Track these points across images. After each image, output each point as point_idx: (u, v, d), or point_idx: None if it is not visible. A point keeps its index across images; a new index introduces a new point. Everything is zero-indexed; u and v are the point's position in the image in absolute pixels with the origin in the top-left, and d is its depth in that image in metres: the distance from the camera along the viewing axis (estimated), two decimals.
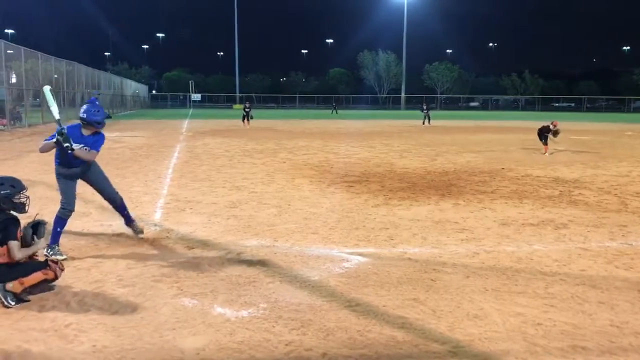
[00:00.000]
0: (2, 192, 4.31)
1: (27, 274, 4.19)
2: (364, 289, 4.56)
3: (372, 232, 6.48)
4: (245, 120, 29.45)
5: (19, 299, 4.14)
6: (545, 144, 15.81)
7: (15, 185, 4.42)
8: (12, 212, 4.40)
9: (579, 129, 28.11)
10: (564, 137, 18.81)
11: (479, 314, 4.05)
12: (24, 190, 4.49)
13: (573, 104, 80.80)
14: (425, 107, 35.07)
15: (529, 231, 6.64)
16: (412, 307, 4.18)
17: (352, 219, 7.17)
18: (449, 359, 3.38)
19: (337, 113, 54.47)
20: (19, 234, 4.30)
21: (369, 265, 5.24)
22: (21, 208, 4.46)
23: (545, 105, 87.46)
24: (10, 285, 4.11)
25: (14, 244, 4.20)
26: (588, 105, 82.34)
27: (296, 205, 8.03)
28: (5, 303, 4.08)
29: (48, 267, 4.33)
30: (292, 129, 26.51)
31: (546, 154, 15.47)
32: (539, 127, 16.63)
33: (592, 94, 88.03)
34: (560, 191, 9.45)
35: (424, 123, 33.46)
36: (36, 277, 4.24)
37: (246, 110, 29.98)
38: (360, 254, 5.57)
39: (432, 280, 4.80)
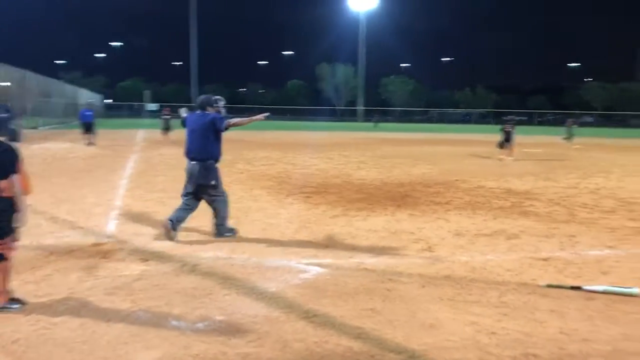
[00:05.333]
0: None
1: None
2: (321, 299, 4.56)
3: (330, 243, 6.50)
4: (165, 131, 24.81)
5: None
6: (506, 148, 16.82)
7: (9, 110, 4.19)
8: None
9: (530, 142, 28.95)
10: (517, 150, 19.39)
11: (434, 323, 4.11)
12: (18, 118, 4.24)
13: (525, 118, 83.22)
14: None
15: (482, 241, 6.79)
16: (368, 317, 4.20)
17: (310, 230, 7.18)
18: None
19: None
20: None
21: (326, 275, 5.25)
22: (13, 134, 4.21)
23: (498, 119, 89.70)
24: None
25: (17, 178, 4.03)
26: (538, 119, 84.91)
27: (254, 217, 7.99)
28: None
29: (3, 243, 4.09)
30: (250, 140, 26.39)
31: (509, 158, 16.25)
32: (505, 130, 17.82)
33: (542, 109, 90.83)
34: (512, 202, 9.70)
35: None
36: None
37: (164, 118, 25.52)
38: (318, 265, 5.57)
39: (388, 290, 4.84)
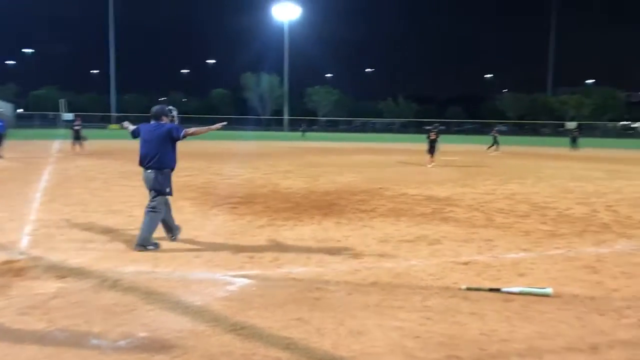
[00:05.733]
0: None
1: None
2: (248, 311, 4.51)
3: (256, 254, 6.45)
4: (76, 143, 23.82)
5: None
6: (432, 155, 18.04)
7: None
8: None
9: (449, 151, 30.03)
10: (437, 158, 20.08)
11: (362, 330, 4.15)
12: None
13: (444, 127, 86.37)
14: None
15: (406, 247, 6.95)
16: (296, 327, 4.19)
17: (236, 241, 7.09)
18: None
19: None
20: None
21: (253, 287, 5.20)
22: None
23: (419, 129, 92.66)
24: None
25: None
26: (456, 128, 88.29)
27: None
28: None
29: None
30: None
31: (430, 165, 17.12)
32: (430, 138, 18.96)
33: (460, 118, 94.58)
34: (434, 209, 10.01)
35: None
36: None
37: (75, 128, 24.27)
38: (245, 276, 5.51)
39: (316, 299, 4.85)
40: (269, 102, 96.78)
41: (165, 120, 6.79)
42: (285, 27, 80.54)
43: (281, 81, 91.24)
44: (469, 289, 5.18)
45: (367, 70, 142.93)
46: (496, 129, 34.44)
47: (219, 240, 7.17)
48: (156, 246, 6.58)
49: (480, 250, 6.89)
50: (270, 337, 3.98)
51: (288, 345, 3.84)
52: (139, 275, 5.45)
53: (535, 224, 8.75)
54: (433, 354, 3.75)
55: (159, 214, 6.70)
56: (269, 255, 6.38)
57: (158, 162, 6.61)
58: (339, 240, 7.25)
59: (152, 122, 6.77)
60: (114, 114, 77.13)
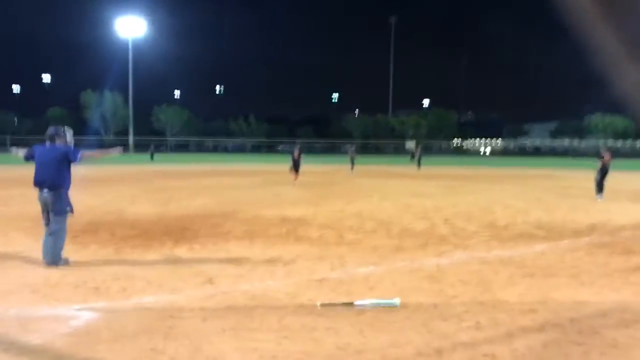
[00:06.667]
0: None
1: None
2: (96, 346, 4.20)
3: (102, 285, 6.04)
4: None
5: None
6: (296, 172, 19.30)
7: None
8: None
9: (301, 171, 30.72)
10: (288, 177, 20.47)
11: (218, 355, 4.07)
12: None
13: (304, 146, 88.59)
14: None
15: (261, 269, 6.95)
16: (150, 358, 3.99)
17: (78, 273, 6.58)
18: None
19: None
20: None
21: (100, 320, 4.86)
22: None
23: (271, 149, 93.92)
24: None
25: None
26: (306, 148, 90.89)
27: (11, 263, 7.08)
28: None
29: None
30: (3, 177, 23.46)
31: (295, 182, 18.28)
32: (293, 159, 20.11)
33: (310, 138, 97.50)
34: (288, 229, 10.16)
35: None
36: None
37: None
38: (90, 309, 5.13)
39: (169, 327, 4.66)
40: (112, 122, 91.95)
41: (59, 141, 7.07)
42: (130, 43, 77.30)
43: (125, 100, 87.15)
44: (323, 305, 5.31)
45: (217, 88, 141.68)
46: (352, 148, 35.77)
47: (59, 272, 6.61)
48: (67, 262, 6.96)
49: (333, 267, 7.11)
50: None
51: None
52: None
53: (382, 239, 9.25)
54: None
55: (63, 231, 7.01)
56: (116, 286, 6.01)
57: (54, 182, 6.87)
58: (192, 266, 7.05)
59: (47, 143, 7.03)
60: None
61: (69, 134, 7.21)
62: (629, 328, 4.78)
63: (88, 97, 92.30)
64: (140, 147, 76.70)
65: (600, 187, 16.67)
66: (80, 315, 4.99)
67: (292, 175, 21.67)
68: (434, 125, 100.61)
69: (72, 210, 7.13)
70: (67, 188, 7.08)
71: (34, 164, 7.04)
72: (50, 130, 7.15)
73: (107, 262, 7.19)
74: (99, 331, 4.57)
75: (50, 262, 6.86)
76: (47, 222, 7.00)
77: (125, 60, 79.55)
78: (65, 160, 6.96)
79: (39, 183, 6.94)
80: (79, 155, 6.99)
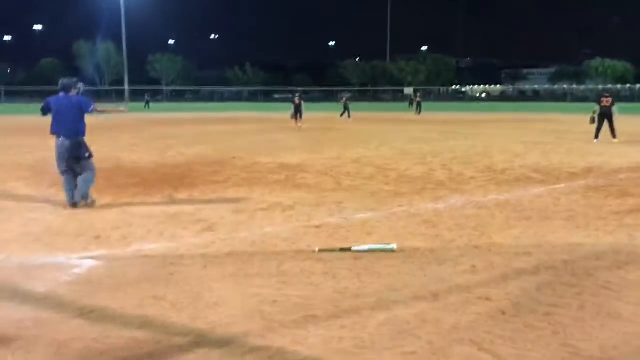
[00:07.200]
0: None
1: None
2: (98, 294, 4.27)
3: (103, 233, 6.10)
4: None
5: None
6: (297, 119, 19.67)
7: None
8: None
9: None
10: (286, 124, 20.39)
11: (219, 301, 4.14)
12: None
13: (291, 95, 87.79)
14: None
15: (260, 216, 7.01)
16: (151, 304, 4.07)
17: (79, 222, 6.64)
18: (193, 349, 3.39)
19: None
20: None
21: (101, 268, 4.93)
22: None
23: (268, 97, 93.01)
24: None
25: None
26: (304, 96, 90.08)
27: (11, 212, 7.13)
28: None
29: None
30: None
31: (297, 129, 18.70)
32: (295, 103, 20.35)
33: (307, 86, 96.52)
34: (286, 176, 10.19)
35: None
36: None
37: None
38: (91, 258, 5.20)
39: (170, 274, 4.74)
40: (107, 72, 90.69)
41: (73, 92, 7.52)
42: None
43: (119, 49, 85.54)
44: (321, 250, 5.38)
45: (212, 36, 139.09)
46: (346, 96, 35.47)
47: (60, 221, 6.67)
48: (95, 203, 7.46)
49: (331, 213, 7.17)
50: (124, 317, 3.83)
51: (143, 323, 3.72)
52: None
53: (379, 185, 9.29)
54: (290, 315, 3.86)
55: (94, 167, 7.57)
56: (117, 234, 6.08)
57: (71, 130, 7.32)
58: (192, 214, 7.11)
59: (61, 94, 7.44)
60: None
61: (80, 86, 7.75)
62: (621, 270, 4.86)
63: (80, 47, 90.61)
64: (135, 96, 75.84)
65: (597, 133, 16.74)
66: (82, 263, 5.06)
67: (292, 123, 21.69)
68: (433, 71, 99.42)
69: (92, 155, 7.57)
70: (83, 135, 7.51)
71: (40, 116, 7.73)
72: (64, 81, 7.57)
73: (107, 211, 7.24)
74: (100, 279, 4.64)
75: (80, 199, 7.33)
76: (65, 169, 7.35)
77: (117, 8, 77.55)
78: (80, 109, 7.42)
79: (57, 131, 7.36)
80: (92, 107, 7.56)
